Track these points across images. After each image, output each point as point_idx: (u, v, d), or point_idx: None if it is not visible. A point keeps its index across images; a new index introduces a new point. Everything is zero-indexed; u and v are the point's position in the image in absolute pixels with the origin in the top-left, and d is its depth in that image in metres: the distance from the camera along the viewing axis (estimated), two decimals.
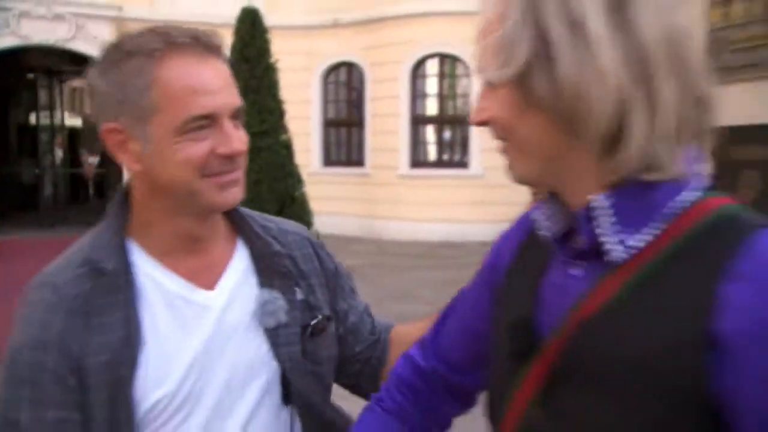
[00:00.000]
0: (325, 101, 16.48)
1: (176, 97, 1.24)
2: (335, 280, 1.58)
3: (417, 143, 15.35)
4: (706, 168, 0.97)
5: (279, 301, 1.45)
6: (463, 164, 14.82)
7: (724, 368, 0.88)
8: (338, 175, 15.92)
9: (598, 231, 0.95)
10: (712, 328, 0.88)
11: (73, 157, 20.73)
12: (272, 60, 6.73)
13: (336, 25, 15.99)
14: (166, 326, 1.33)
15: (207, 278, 1.40)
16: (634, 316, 0.96)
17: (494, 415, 1.15)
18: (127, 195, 1.38)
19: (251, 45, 6.63)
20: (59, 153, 20.08)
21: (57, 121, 19.73)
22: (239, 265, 1.46)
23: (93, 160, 19.81)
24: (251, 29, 6.62)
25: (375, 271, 11.10)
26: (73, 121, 24.67)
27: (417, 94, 15.40)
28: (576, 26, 0.86)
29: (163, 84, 1.24)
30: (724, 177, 1.99)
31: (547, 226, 1.04)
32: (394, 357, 1.51)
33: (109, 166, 21.59)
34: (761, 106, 5.16)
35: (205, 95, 1.25)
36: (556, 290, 1.05)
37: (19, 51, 15.59)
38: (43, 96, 19.19)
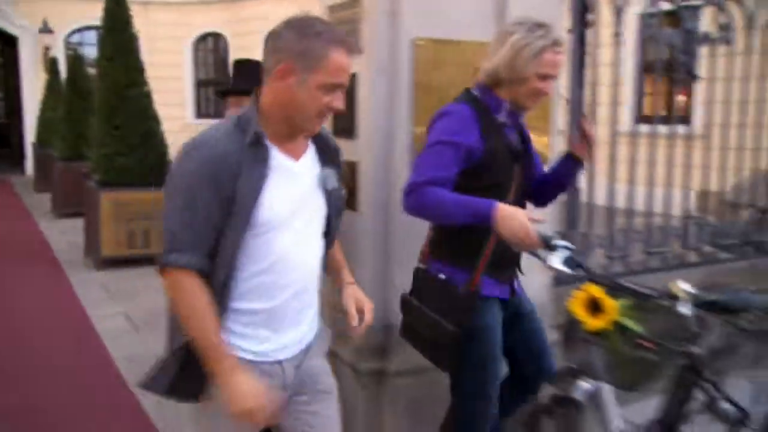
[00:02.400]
0: (197, 64, 16.89)
1: None
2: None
3: None
4: None
5: (333, 174, 1.95)
6: None
7: None
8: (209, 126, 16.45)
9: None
10: None
11: None
12: (134, 30, 7.53)
13: (204, 2, 16.45)
14: (277, 178, 1.79)
15: (296, 156, 1.86)
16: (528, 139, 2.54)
17: (503, 188, 2.43)
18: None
19: (118, 19, 7.36)
20: None
21: None
22: (310, 152, 1.94)
23: None
24: (117, 7, 7.31)
25: None
26: None
27: None
28: None
29: None
30: None
31: (504, 118, 2.42)
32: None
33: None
34: None
35: None
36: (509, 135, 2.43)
37: None
38: None
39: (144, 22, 16.24)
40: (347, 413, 3.14)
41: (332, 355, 3.26)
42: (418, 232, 2.92)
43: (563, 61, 2.42)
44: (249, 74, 3.00)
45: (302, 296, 1.89)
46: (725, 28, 4.22)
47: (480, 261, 2.36)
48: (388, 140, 3.02)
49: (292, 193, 1.82)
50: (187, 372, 1.76)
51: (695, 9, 4.07)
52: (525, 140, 2.57)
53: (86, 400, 3.93)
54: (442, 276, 2.45)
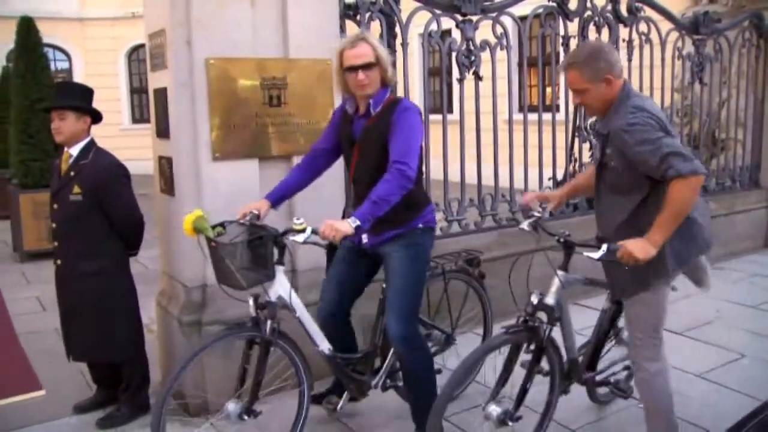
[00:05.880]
0: (130, 74, 17.12)
1: None
2: None
3: None
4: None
5: None
6: None
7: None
8: (144, 130, 16.68)
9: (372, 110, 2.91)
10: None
11: None
12: (43, 51, 7.90)
13: (135, 16, 16.64)
14: None
15: None
16: (377, 128, 2.89)
17: (348, 164, 3.11)
18: None
19: (29, 42, 7.69)
20: None
21: None
22: None
23: None
24: (27, 32, 7.70)
25: None
26: None
27: None
28: None
29: None
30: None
31: (351, 108, 2.99)
32: None
33: None
34: None
35: None
36: (354, 126, 3.02)
37: None
38: None
39: (81, 36, 16.51)
40: (174, 355, 3.73)
41: (163, 310, 3.86)
42: (221, 208, 3.47)
43: (360, 52, 2.83)
44: (67, 93, 3.53)
45: None
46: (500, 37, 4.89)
47: None
48: (193, 140, 3.58)
49: None
50: None
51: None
52: (371, 132, 2.94)
53: None
54: None
